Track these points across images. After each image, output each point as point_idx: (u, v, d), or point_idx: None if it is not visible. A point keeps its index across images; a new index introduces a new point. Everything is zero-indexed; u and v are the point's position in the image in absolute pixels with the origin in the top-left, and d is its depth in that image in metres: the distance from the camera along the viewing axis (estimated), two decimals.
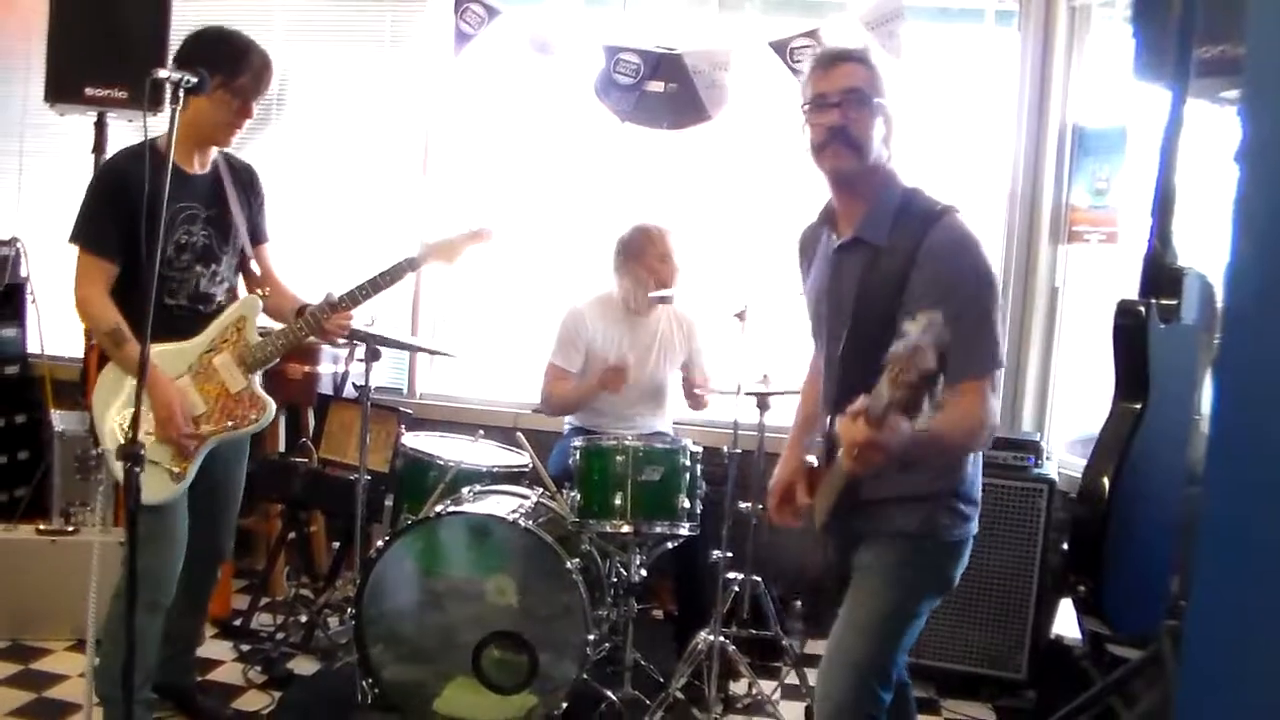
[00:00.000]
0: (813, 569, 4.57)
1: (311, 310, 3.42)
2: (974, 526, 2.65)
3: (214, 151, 3.43)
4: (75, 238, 3.25)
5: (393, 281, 3.44)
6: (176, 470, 3.26)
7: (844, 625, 2.63)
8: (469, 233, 3.62)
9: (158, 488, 3.20)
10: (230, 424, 3.37)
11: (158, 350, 3.14)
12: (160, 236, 3.03)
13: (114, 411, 3.27)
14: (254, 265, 3.57)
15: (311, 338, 3.51)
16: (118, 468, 3.24)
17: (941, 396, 2.06)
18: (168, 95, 2.81)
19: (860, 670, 2.57)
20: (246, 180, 3.55)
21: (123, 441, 3.17)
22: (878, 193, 2.58)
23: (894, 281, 2.48)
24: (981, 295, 2.46)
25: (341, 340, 3.80)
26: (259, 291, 3.48)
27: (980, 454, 2.68)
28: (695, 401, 4.67)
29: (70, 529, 4.45)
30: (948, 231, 2.48)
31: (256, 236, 3.57)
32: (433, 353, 4.06)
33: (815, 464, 2.71)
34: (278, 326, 3.52)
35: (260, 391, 3.41)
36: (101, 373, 3.33)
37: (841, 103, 2.53)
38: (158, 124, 2.96)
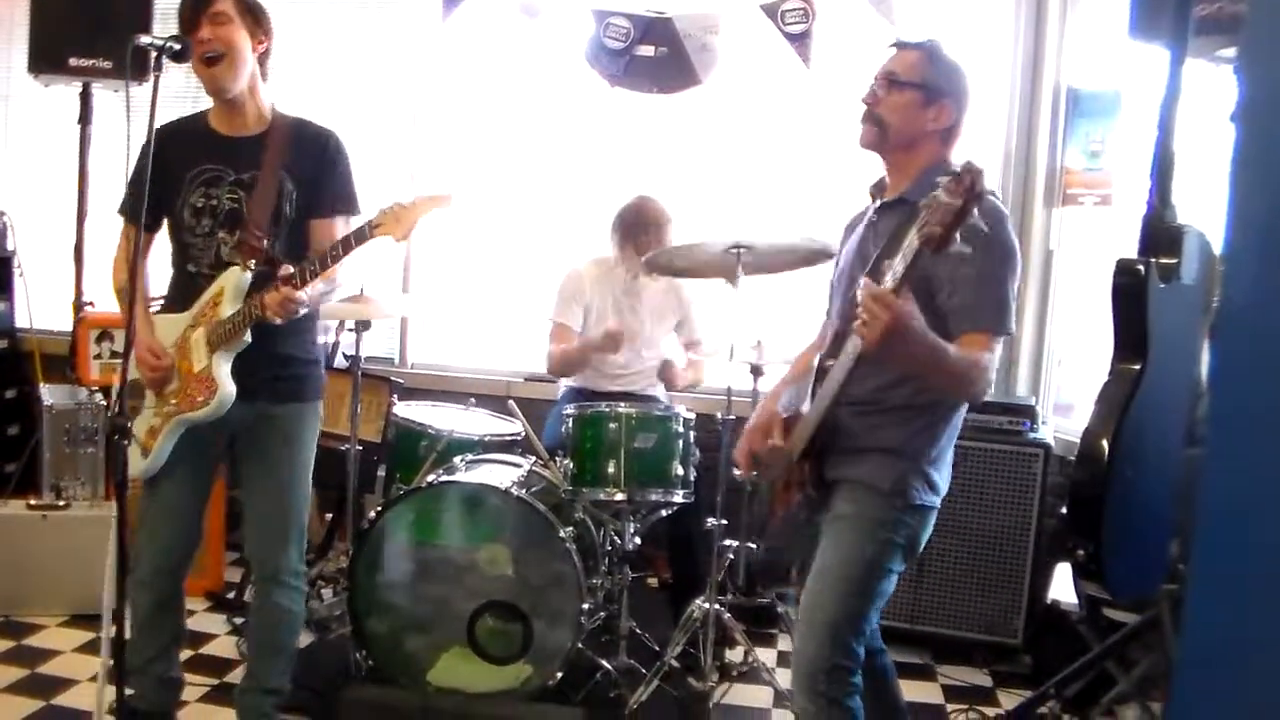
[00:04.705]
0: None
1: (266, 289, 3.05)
2: (938, 500, 2.69)
3: (270, 112, 3.19)
4: None
5: (345, 253, 3.05)
6: (146, 445, 3.15)
7: (816, 579, 2.65)
8: (426, 198, 3.16)
9: (131, 460, 3.12)
10: (182, 406, 3.10)
11: (161, 318, 3.15)
12: (182, 202, 3.02)
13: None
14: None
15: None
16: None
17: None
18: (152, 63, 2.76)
19: (833, 623, 2.59)
20: (314, 144, 3.23)
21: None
22: (923, 168, 2.67)
23: None
24: (1006, 263, 2.56)
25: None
26: (249, 264, 3.13)
27: (953, 433, 2.71)
28: (681, 373, 4.65)
29: (61, 504, 4.43)
30: (985, 203, 2.51)
31: (320, 208, 3.21)
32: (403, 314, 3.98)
33: (790, 414, 2.76)
34: None
35: (218, 375, 3.05)
36: None
37: (877, 84, 2.70)
38: (141, 93, 2.92)
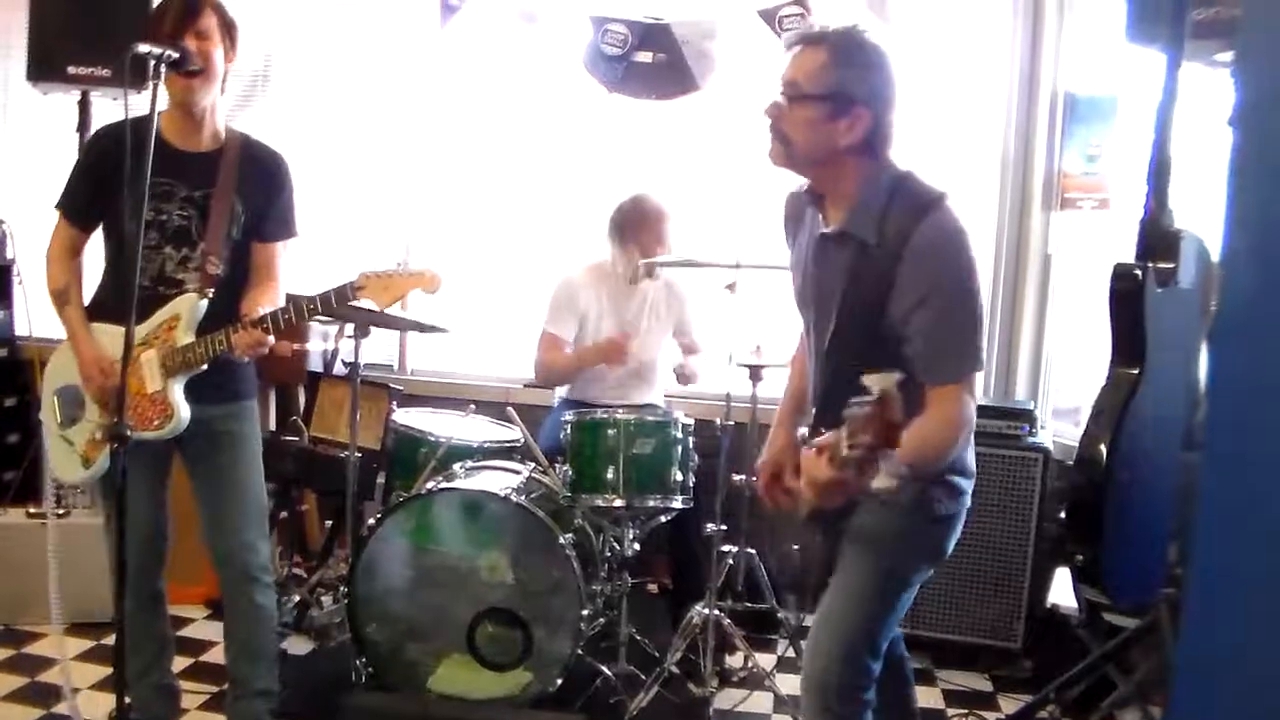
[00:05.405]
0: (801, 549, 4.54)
1: (238, 325, 3.05)
2: (968, 499, 2.58)
3: (224, 131, 3.19)
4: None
5: (321, 310, 3.06)
6: (87, 456, 3.17)
7: (832, 595, 2.57)
8: (412, 274, 3.09)
9: (68, 467, 3.21)
10: (135, 425, 2.94)
11: (101, 328, 3.13)
12: (128, 212, 2.96)
13: (55, 387, 3.26)
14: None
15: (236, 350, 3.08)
16: (49, 441, 3.24)
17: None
18: (150, 71, 2.77)
19: (847, 641, 2.51)
20: (264, 169, 3.25)
21: (56, 418, 3.21)
22: (860, 186, 2.45)
23: (883, 279, 2.39)
24: (966, 297, 2.39)
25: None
26: (207, 292, 3.14)
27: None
28: (682, 376, 4.62)
29: (61, 512, 4.41)
30: (934, 229, 2.38)
31: (264, 232, 3.24)
32: (423, 328, 3.94)
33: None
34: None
35: (175, 399, 3.08)
36: (59, 346, 3.26)
37: (780, 95, 2.45)
38: (140, 102, 2.92)
